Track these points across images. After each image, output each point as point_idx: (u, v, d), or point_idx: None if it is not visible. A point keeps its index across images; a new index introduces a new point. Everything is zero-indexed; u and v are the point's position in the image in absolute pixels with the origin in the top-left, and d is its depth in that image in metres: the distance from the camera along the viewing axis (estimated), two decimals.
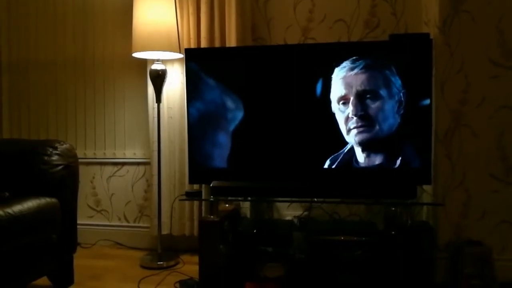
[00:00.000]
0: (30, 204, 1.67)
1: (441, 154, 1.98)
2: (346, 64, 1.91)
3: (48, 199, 1.77)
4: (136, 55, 2.29)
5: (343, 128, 1.92)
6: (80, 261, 2.13)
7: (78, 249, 2.01)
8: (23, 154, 1.89)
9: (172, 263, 2.30)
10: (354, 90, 1.90)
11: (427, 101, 1.88)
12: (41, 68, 2.80)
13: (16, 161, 1.88)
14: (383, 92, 1.89)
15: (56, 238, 1.81)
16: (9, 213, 1.56)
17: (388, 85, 1.90)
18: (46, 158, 1.85)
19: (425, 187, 2.04)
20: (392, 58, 1.90)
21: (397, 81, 1.89)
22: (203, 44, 2.34)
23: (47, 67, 2.79)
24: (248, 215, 2.32)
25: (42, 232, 1.74)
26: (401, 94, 1.88)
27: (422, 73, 1.87)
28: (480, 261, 1.82)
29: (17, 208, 1.60)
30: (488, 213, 1.96)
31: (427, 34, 1.93)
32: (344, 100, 1.90)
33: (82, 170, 2.09)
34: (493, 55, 1.94)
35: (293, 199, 2.21)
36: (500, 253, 1.91)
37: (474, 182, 1.96)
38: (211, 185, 2.00)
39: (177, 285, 2.01)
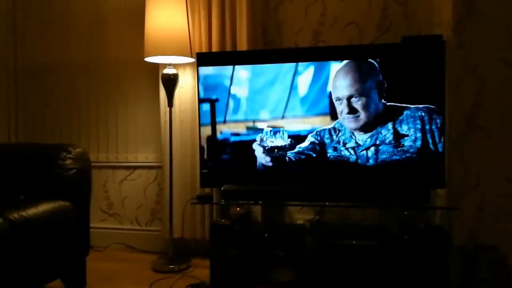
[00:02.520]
0: (44, 207, 1.69)
1: (455, 157, 1.95)
2: (358, 67, 1.90)
3: (61, 203, 1.79)
4: (148, 59, 2.31)
5: (357, 131, 1.92)
6: (93, 264, 2.14)
7: (91, 252, 2.02)
8: (38, 158, 1.91)
9: (183, 266, 2.31)
10: (363, 92, 1.89)
11: (441, 103, 1.86)
12: (55, 72, 2.84)
13: (31, 165, 1.91)
14: (396, 95, 1.88)
15: (69, 241, 1.82)
16: (24, 216, 1.57)
17: (401, 88, 1.88)
18: (60, 162, 1.86)
19: (438, 190, 2.02)
20: (405, 60, 1.88)
21: (409, 84, 1.88)
22: (214, 48, 2.35)
23: (61, 72, 2.83)
24: (259, 219, 2.31)
25: (56, 235, 1.76)
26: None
27: (435, 75, 1.85)
28: (496, 266, 1.79)
29: (31, 211, 1.62)
30: (504, 217, 1.92)
31: (440, 36, 1.91)
32: (355, 101, 1.89)
33: (94, 174, 2.11)
34: (508, 57, 1.91)
35: (305, 203, 2.19)
36: None
37: (489, 186, 1.93)
38: (222, 189, 2.01)
39: None
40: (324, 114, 1.94)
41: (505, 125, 1.92)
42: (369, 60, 1.89)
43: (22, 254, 1.59)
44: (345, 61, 1.91)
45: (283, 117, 1.98)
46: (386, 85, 1.88)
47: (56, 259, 1.79)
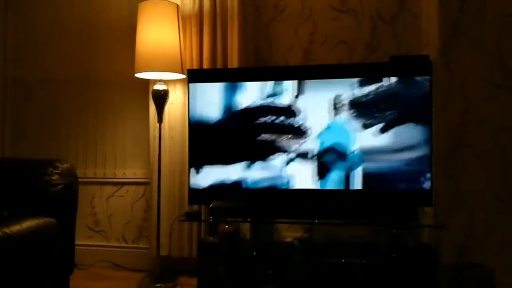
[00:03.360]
0: (28, 224, 1.65)
1: (443, 175, 1.96)
2: (349, 85, 1.93)
3: (46, 219, 1.75)
4: (139, 75, 2.31)
5: (347, 150, 1.92)
6: (77, 282, 2.09)
7: (75, 270, 1.97)
8: (24, 173, 1.88)
9: (170, 285, 2.26)
10: (356, 113, 1.91)
11: (428, 122, 1.88)
12: (44, 87, 2.82)
13: (16, 180, 1.87)
14: (385, 113, 1.90)
15: (53, 258, 1.78)
16: (6, 233, 1.53)
17: (391, 106, 1.91)
18: (46, 177, 1.83)
19: (426, 208, 2.02)
20: (393, 79, 1.91)
21: (397, 102, 1.90)
22: (205, 65, 2.36)
23: (50, 86, 2.81)
24: (248, 237, 2.29)
25: (39, 252, 1.72)
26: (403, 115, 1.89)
27: (422, 94, 1.88)
28: (483, 284, 1.78)
29: (15, 228, 1.58)
30: (491, 235, 1.93)
31: (427, 56, 1.95)
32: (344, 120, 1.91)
33: (81, 189, 2.07)
34: (493, 77, 1.95)
35: (294, 220, 2.18)
36: (504, 276, 1.87)
37: (477, 203, 1.94)
38: (210, 206, 1.99)
39: None
40: None
41: (491, 144, 1.94)
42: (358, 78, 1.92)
43: (4, 271, 1.54)
44: None
45: None
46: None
47: (39, 277, 1.74)
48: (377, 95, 1.91)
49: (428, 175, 1.87)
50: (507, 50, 1.94)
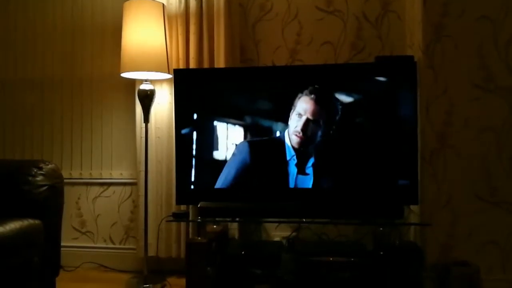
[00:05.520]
0: (12, 226, 1.63)
1: (427, 174, 2.00)
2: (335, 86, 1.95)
3: (31, 221, 1.73)
4: (125, 75, 2.29)
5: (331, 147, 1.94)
6: (63, 284, 2.07)
7: (61, 272, 1.95)
8: (7, 175, 1.85)
9: (158, 286, 2.25)
10: (341, 113, 1.93)
11: (413, 122, 1.91)
12: (27, 87, 2.77)
13: (0, 181, 1.84)
14: (370, 113, 1.93)
15: (38, 261, 1.76)
16: None
17: (375, 106, 1.93)
18: (30, 178, 1.81)
19: (412, 207, 2.06)
20: (378, 79, 1.94)
21: (383, 103, 1.93)
22: (192, 64, 2.36)
23: (34, 86, 2.76)
24: (236, 236, 2.30)
25: (24, 255, 1.70)
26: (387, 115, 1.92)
27: (407, 95, 1.91)
28: (468, 281, 1.82)
29: None
30: (475, 233, 1.97)
31: (412, 57, 1.98)
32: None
33: (67, 190, 2.05)
34: (475, 78, 1.99)
35: (282, 219, 2.20)
36: (487, 273, 1.92)
37: (460, 202, 1.99)
38: (198, 206, 1.99)
39: None
40: None
41: (473, 144, 1.99)
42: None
43: None
44: None
45: None
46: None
47: (24, 280, 1.72)
48: (363, 95, 1.94)
49: (414, 174, 1.90)
50: (488, 53, 1.98)
